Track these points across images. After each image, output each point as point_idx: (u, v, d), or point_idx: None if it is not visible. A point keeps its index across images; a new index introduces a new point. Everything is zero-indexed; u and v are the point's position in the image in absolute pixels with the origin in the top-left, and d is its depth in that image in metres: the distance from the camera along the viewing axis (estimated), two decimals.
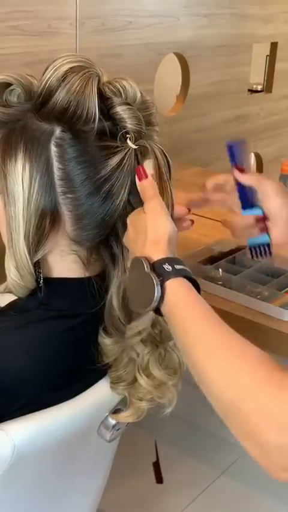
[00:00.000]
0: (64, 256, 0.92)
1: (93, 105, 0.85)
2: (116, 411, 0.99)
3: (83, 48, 1.82)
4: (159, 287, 0.76)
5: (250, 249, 1.00)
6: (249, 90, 2.80)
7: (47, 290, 0.91)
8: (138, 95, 0.89)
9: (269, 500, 1.82)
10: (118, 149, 0.86)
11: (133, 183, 0.87)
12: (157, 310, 0.79)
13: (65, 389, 0.92)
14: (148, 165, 0.87)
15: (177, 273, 0.77)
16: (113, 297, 0.92)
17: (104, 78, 0.88)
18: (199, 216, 0.95)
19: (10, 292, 0.93)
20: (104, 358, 0.94)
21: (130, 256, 0.87)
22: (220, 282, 1.50)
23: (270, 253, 0.99)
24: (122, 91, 0.87)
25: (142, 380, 0.94)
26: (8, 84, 0.89)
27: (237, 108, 2.68)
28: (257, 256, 0.99)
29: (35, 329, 0.89)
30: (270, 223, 0.97)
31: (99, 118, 0.85)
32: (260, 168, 2.92)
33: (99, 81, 0.87)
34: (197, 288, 0.79)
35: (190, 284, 0.78)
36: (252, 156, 2.88)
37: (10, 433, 0.86)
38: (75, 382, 0.93)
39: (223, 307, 1.42)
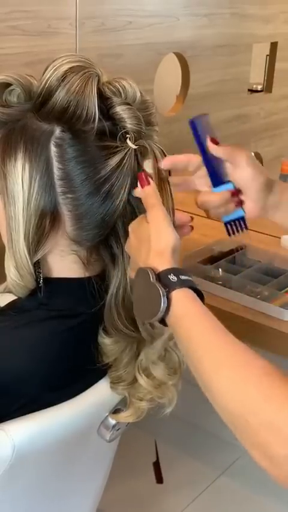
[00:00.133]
0: (64, 256, 0.92)
1: (93, 105, 0.85)
2: (116, 411, 0.99)
3: (83, 48, 1.82)
4: (166, 298, 0.76)
5: (226, 225, 0.94)
6: (249, 90, 2.79)
7: (47, 290, 0.91)
8: (138, 94, 0.89)
9: (269, 500, 1.82)
10: (118, 149, 0.86)
11: (133, 183, 0.87)
12: (162, 320, 0.78)
13: (65, 389, 0.92)
14: (147, 165, 0.87)
15: (182, 284, 0.77)
16: (113, 297, 0.91)
17: (104, 78, 0.88)
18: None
19: (10, 292, 0.93)
20: (104, 358, 0.94)
21: (131, 263, 0.87)
22: (220, 282, 1.50)
23: (246, 227, 0.94)
24: (121, 91, 0.87)
25: (142, 380, 0.95)
26: (8, 84, 0.89)
27: (237, 108, 2.68)
28: (233, 233, 0.94)
29: (35, 329, 0.89)
30: (244, 195, 0.91)
31: (99, 118, 0.85)
32: None
33: (99, 81, 0.86)
34: (201, 297, 0.79)
35: (195, 294, 0.78)
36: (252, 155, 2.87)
37: (10, 433, 0.86)
38: (75, 382, 0.93)
39: (223, 307, 1.42)
